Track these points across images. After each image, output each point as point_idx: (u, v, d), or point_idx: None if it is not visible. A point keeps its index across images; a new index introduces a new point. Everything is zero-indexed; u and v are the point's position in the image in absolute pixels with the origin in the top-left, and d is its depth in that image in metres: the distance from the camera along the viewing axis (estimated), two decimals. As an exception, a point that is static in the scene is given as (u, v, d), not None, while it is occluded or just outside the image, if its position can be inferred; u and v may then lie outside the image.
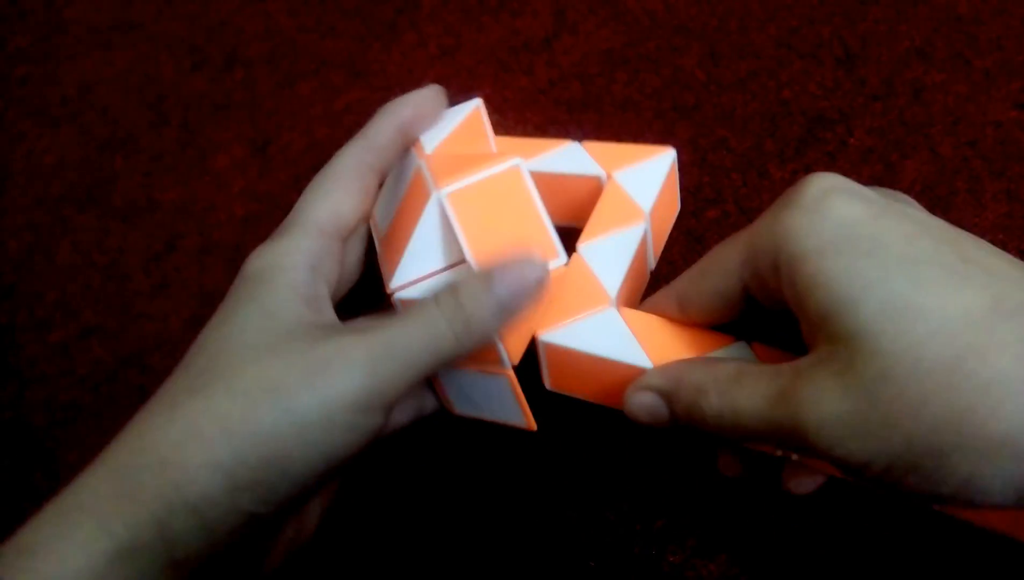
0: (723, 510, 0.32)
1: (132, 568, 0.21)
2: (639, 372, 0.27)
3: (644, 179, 0.31)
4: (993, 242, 0.38)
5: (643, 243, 0.30)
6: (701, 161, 0.42)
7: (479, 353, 0.27)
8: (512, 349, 0.27)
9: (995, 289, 0.19)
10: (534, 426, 0.30)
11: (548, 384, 0.30)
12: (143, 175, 0.44)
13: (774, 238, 0.22)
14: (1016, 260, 0.21)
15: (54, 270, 0.42)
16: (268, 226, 0.42)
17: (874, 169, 0.40)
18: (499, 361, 0.27)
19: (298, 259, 0.26)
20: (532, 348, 0.29)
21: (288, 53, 0.48)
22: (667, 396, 0.25)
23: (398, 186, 0.30)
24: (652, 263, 0.33)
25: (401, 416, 0.29)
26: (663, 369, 0.25)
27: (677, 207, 0.35)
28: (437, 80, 0.46)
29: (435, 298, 0.25)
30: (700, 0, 0.47)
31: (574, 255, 0.30)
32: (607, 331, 0.27)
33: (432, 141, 0.30)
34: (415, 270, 0.27)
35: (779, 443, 0.22)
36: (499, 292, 0.24)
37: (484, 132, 0.32)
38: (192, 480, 0.21)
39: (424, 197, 0.27)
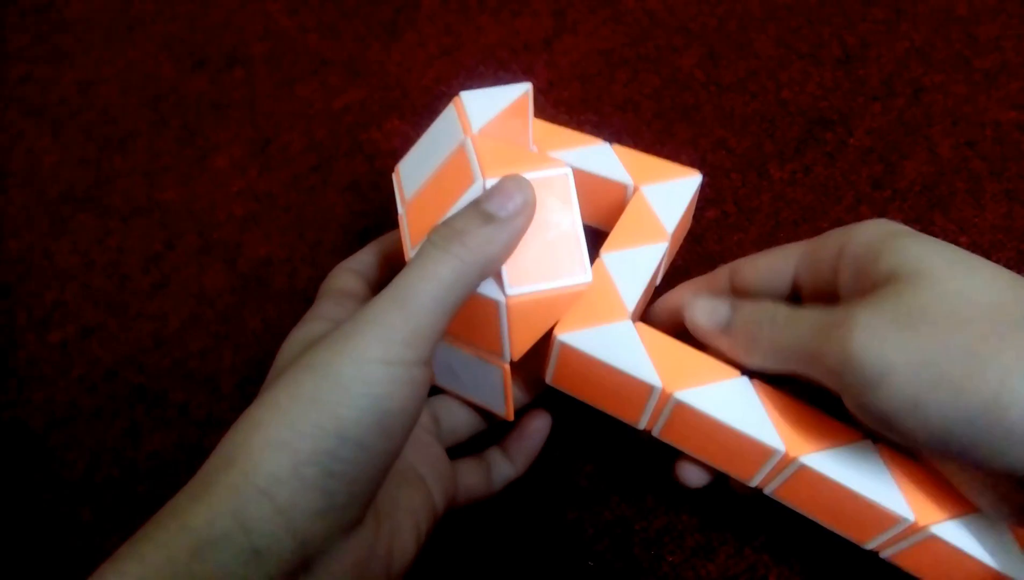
0: (723, 510, 0.32)
1: (214, 559, 0.21)
2: (646, 387, 0.27)
3: (670, 198, 0.32)
4: (992, 242, 0.38)
5: (661, 261, 0.31)
6: (700, 161, 0.42)
7: (482, 340, 0.28)
8: (516, 345, 0.28)
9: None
10: (512, 417, 0.31)
11: (549, 378, 0.30)
12: (143, 175, 0.44)
13: (844, 233, 0.26)
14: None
15: (53, 270, 0.42)
16: (267, 226, 0.43)
17: (873, 169, 0.40)
18: (500, 353, 0.28)
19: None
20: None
21: (288, 53, 0.48)
22: (734, 304, 0.28)
23: (435, 151, 0.30)
24: (659, 279, 0.33)
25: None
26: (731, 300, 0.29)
27: (689, 226, 0.35)
28: (436, 80, 0.47)
29: (429, 235, 0.26)
30: (700, 0, 0.47)
31: (596, 261, 0.30)
32: (622, 343, 0.28)
33: (480, 118, 0.29)
34: None
35: (813, 361, 0.24)
36: (487, 207, 0.25)
37: (527, 117, 0.32)
38: (257, 465, 0.22)
39: (466, 178, 0.27)
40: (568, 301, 0.28)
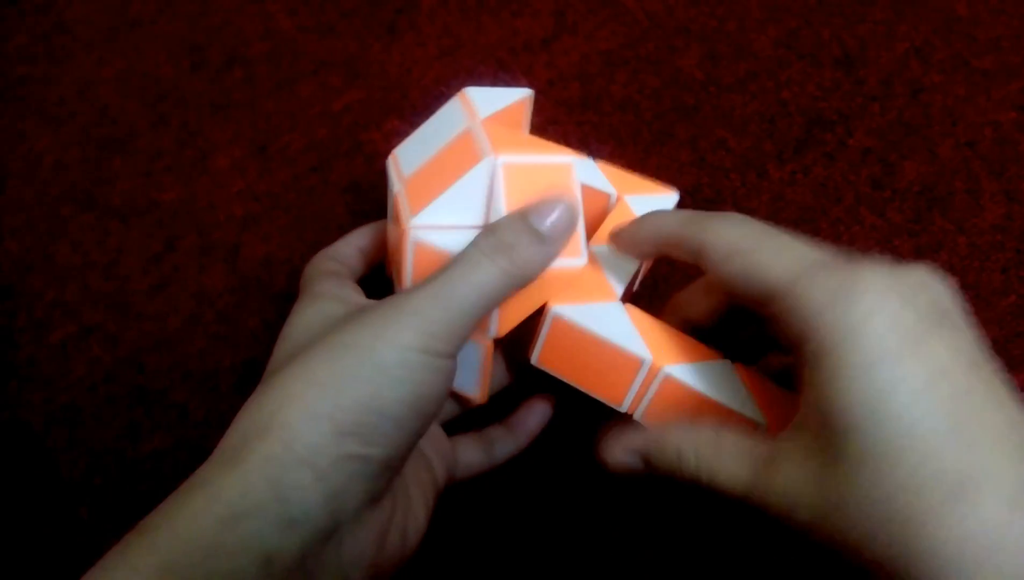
0: (724, 511, 0.32)
1: (246, 529, 0.21)
2: (635, 361, 0.28)
3: (651, 209, 0.33)
4: (991, 242, 0.38)
5: (641, 265, 0.32)
6: (700, 161, 0.42)
7: None
8: (504, 320, 0.28)
9: (974, 461, 0.20)
10: (485, 400, 0.32)
11: (535, 357, 0.30)
12: (142, 175, 0.44)
13: (814, 321, 0.22)
14: (1010, 429, 0.21)
15: (53, 270, 0.42)
16: (267, 226, 0.43)
17: (873, 170, 0.41)
18: (486, 329, 0.28)
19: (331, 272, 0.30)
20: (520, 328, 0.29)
21: (287, 53, 0.48)
22: (647, 456, 0.27)
23: (437, 136, 0.30)
24: (636, 284, 0.34)
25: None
26: (644, 432, 0.28)
27: None
28: (436, 81, 0.47)
29: (475, 240, 0.26)
30: (699, 1, 0.47)
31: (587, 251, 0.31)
32: (614, 320, 0.29)
33: (484, 109, 0.30)
34: (443, 217, 0.28)
35: (746, 502, 0.25)
36: (535, 223, 0.26)
37: (524, 121, 0.33)
38: (297, 435, 0.22)
39: (475, 155, 0.28)
40: (559, 283, 0.28)
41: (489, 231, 0.26)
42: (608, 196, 0.33)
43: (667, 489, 0.32)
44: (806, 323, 0.22)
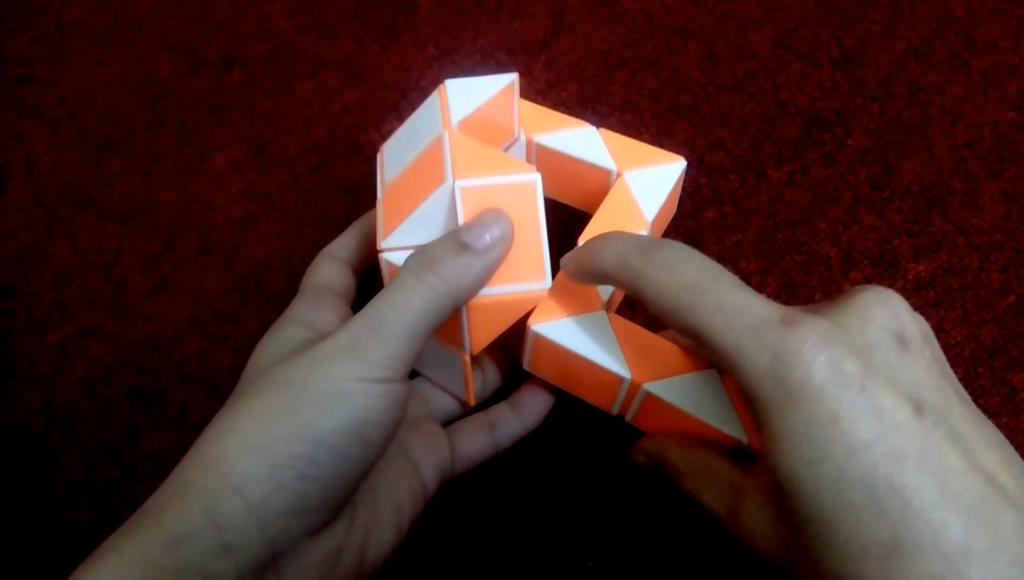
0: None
1: (185, 552, 0.22)
2: (615, 378, 0.28)
3: (653, 185, 0.32)
4: (990, 243, 0.38)
5: None
6: (699, 162, 0.42)
7: (449, 332, 0.29)
8: (476, 341, 0.29)
9: (912, 524, 0.20)
10: (472, 403, 0.32)
11: (526, 365, 0.31)
12: (141, 176, 0.44)
13: (755, 389, 0.22)
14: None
15: (52, 271, 0.42)
16: (266, 227, 0.43)
17: (871, 170, 0.41)
18: (462, 344, 0.29)
19: (299, 305, 0.30)
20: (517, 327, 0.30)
21: (286, 54, 0.48)
22: (656, 461, 0.29)
23: (416, 138, 0.30)
24: None
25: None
26: (654, 442, 0.29)
27: (674, 211, 0.35)
28: (434, 82, 0.46)
29: (405, 261, 0.26)
30: (698, 1, 0.47)
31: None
32: (595, 334, 0.28)
33: (461, 108, 0.30)
34: (409, 238, 0.28)
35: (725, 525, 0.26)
36: (464, 237, 0.26)
37: (512, 106, 0.33)
38: (233, 466, 0.23)
39: (439, 175, 0.28)
40: (528, 302, 0.28)
41: (418, 250, 0.26)
42: (608, 173, 0.33)
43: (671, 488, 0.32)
44: (749, 388, 0.22)
